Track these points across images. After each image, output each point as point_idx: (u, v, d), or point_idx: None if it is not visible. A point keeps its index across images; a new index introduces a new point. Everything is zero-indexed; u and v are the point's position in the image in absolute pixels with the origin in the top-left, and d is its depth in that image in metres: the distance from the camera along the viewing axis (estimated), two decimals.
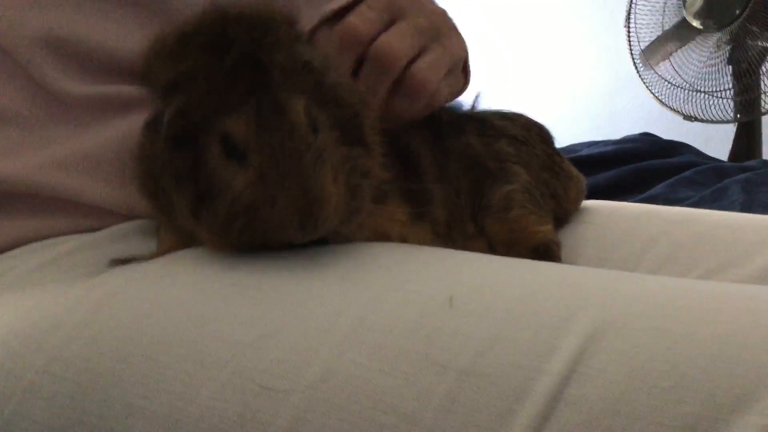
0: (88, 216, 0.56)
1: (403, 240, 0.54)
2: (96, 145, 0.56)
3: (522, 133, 0.67)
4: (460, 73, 0.62)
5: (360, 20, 0.54)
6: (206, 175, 0.45)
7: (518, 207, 0.62)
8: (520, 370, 0.37)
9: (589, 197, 0.74)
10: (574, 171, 0.72)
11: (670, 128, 2.12)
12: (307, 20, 0.54)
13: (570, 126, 2.32)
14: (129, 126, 0.56)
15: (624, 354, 0.37)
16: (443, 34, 0.58)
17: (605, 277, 0.44)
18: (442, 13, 0.60)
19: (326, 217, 0.44)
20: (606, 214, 0.70)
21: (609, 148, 1.82)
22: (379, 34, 0.54)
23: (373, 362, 0.40)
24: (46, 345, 0.45)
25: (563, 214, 0.69)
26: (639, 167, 1.67)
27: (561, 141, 0.72)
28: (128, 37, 0.57)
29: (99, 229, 0.56)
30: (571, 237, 0.68)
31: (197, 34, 0.45)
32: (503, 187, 0.63)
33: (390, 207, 0.53)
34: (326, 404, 0.39)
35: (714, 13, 1.92)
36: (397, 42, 0.54)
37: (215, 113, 0.44)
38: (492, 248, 0.62)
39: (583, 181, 0.72)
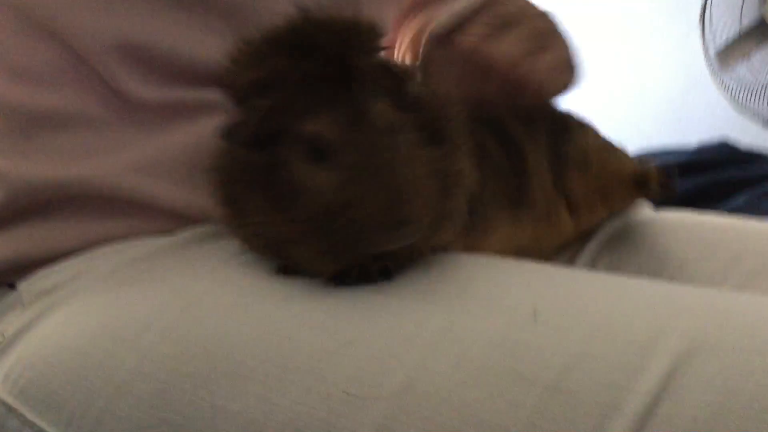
0: (161, 219, 0.59)
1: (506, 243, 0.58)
2: (168, 149, 0.59)
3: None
4: (569, 71, 0.67)
5: (467, 36, 0.61)
6: (288, 178, 0.46)
7: (596, 152, 0.67)
8: (609, 388, 0.39)
9: (665, 206, 0.76)
10: None
11: (746, 135, 2.08)
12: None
13: (636, 130, 2.30)
14: (200, 131, 0.58)
15: (717, 374, 0.38)
16: (552, 34, 0.65)
17: (695, 294, 0.45)
18: (549, 14, 0.66)
19: (417, 214, 0.44)
20: (689, 227, 0.72)
21: (685, 158, 1.80)
22: (488, 40, 0.61)
23: (457, 373, 0.41)
24: (137, 345, 0.48)
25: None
26: (717, 178, 1.66)
27: (626, 146, 0.75)
28: (203, 43, 0.59)
29: (172, 232, 0.58)
30: (653, 249, 0.70)
31: (283, 37, 0.47)
32: (580, 137, 0.67)
33: (488, 226, 0.57)
34: (410, 413, 0.41)
35: None
36: (508, 46, 0.61)
37: (301, 115, 0.46)
38: (575, 210, 0.66)
39: None
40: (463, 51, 0.61)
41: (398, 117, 0.47)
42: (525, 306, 0.44)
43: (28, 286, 0.57)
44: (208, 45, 0.58)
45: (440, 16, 0.65)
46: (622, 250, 0.71)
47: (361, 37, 0.48)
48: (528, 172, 0.64)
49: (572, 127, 0.69)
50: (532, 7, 0.66)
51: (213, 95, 0.58)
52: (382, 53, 0.50)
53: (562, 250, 0.71)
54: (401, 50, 0.72)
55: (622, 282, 0.48)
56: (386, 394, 0.41)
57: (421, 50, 0.63)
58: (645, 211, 0.75)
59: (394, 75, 0.48)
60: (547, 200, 0.65)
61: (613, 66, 2.69)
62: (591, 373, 0.39)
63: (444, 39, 0.62)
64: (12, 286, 0.58)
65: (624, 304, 0.43)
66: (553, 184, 0.66)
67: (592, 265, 0.71)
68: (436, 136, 0.49)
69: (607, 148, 0.70)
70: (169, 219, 0.59)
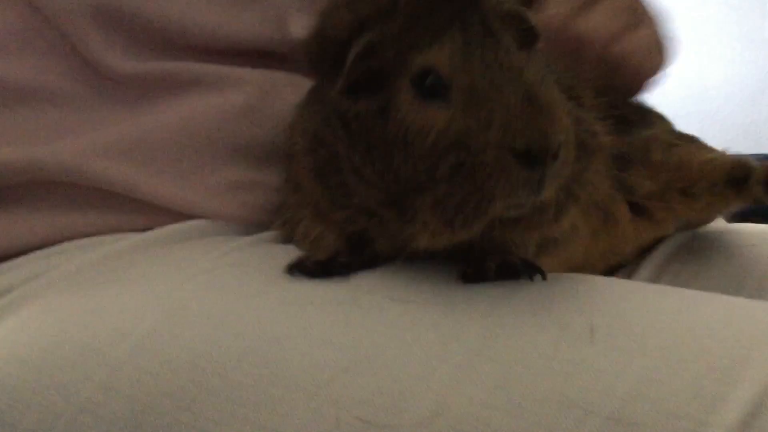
0: (139, 213, 0.55)
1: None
2: (150, 130, 0.55)
3: None
4: (662, 48, 0.64)
5: (555, 7, 0.58)
6: (395, 125, 0.42)
7: (668, 142, 0.62)
8: (681, 420, 0.35)
9: (739, 219, 0.72)
10: None
11: None
12: None
13: (701, 134, 2.17)
14: (190, 109, 0.55)
15: None
16: (643, 8, 0.62)
17: None
18: None
19: (559, 140, 0.39)
20: None
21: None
22: (576, 14, 0.58)
23: (495, 398, 0.38)
24: (108, 357, 0.44)
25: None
26: None
27: None
28: (196, 6, 0.56)
29: (152, 228, 0.55)
30: (728, 264, 0.65)
31: None
32: (646, 127, 0.62)
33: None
34: None
35: None
36: (599, 22, 0.58)
37: (412, 47, 0.42)
38: (646, 213, 0.62)
39: None
40: (549, 29, 0.56)
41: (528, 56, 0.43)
42: (579, 321, 0.41)
43: None
44: (203, 10, 0.55)
45: None
46: (691, 264, 0.66)
47: None
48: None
49: (641, 115, 0.65)
50: None
51: (208, 68, 0.56)
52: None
53: (620, 264, 0.66)
54: None
55: (696, 297, 0.45)
56: (409, 423, 0.38)
57: None
58: (717, 223, 0.71)
59: (520, 19, 0.45)
60: (603, 199, 0.59)
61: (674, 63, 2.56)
62: (660, 402, 0.36)
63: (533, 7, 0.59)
64: None
65: (699, 322, 0.40)
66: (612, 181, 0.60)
67: (656, 279, 0.66)
68: (568, 92, 0.45)
69: (685, 139, 0.65)
70: (150, 213, 0.55)
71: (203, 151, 0.56)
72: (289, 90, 0.56)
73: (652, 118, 0.65)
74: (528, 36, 0.45)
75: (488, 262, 0.45)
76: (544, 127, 0.39)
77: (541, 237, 0.47)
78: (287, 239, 0.53)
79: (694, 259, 0.67)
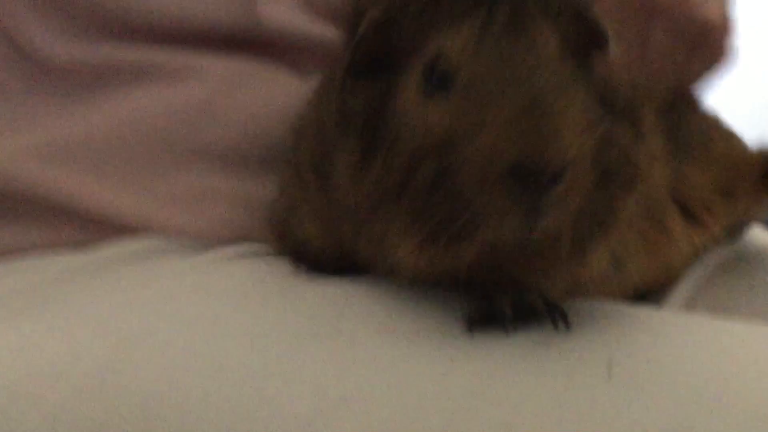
0: (81, 226, 0.52)
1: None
2: (94, 128, 0.53)
3: None
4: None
5: None
6: (393, 116, 0.40)
7: (719, 136, 0.60)
8: None
9: None
10: None
11: None
12: None
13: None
14: (141, 104, 0.52)
15: None
16: None
17: None
18: None
19: (563, 160, 0.35)
20: None
21: None
22: None
23: None
24: (44, 401, 0.41)
25: None
26: None
27: None
28: None
29: (95, 245, 0.52)
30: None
31: None
32: (700, 119, 0.60)
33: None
34: None
35: None
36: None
37: (427, 28, 0.40)
38: (694, 218, 0.59)
39: None
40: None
41: (568, 59, 0.40)
42: (595, 357, 0.39)
43: None
44: None
45: None
46: (731, 288, 0.63)
47: None
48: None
49: (692, 103, 0.62)
50: None
51: (163, 56, 0.53)
52: None
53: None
54: None
55: (735, 329, 0.44)
56: None
57: None
58: (760, 236, 0.68)
59: (578, 11, 0.41)
60: (657, 207, 0.57)
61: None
62: None
63: None
64: None
65: (738, 359, 0.40)
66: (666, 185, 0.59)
67: (690, 305, 0.64)
68: (617, 108, 0.41)
69: (726, 130, 0.62)
70: (93, 227, 0.52)
71: (156, 154, 0.52)
72: (257, 82, 0.54)
73: (701, 104, 0.63)
74: (594, 37, 0.41)
75: (501, 300, 0.41)
76: (545, 139, 0.35)
77: (563, 279, 0.43)
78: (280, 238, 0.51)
79: (734, 281, 0.63)
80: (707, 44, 0.56)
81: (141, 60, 0.54)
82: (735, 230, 0.65)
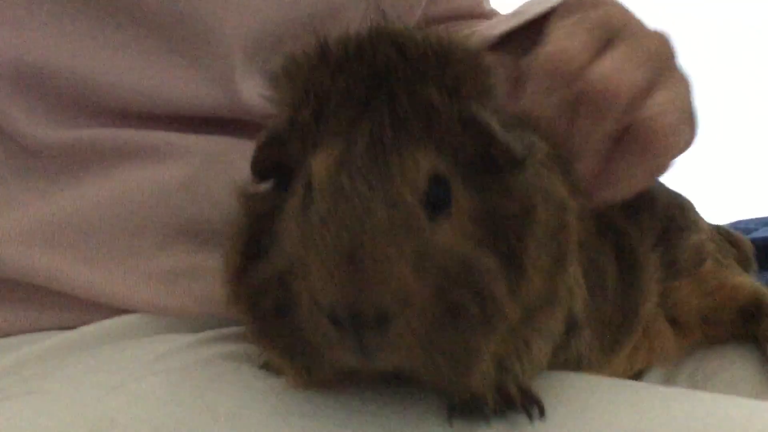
0: (64, 307, 0.51)
1: None
2: (77, 209, 0.52)
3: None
4: (689, 122, 0.54)
5: (574, 43, 0.47)
6: (277, 227, 0.40)
7: (711, 259, 0.59)
8: None
9: None
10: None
11: None
12: None
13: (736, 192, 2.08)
14: (124, 184, 0.52)
15: None
16: (670, 65, 0.51)
17: None
18: (664, 38, 0.52)
19: (380, 308, 0.34)
20: None
21: None
22: (592, 61, 0.48)
23: None
24: None
25: (746, 265, 0.65)
26: None
27: (724, 214, 0.67)
28: (128, 67, 0.53)
29: (78, 325, 0.51)
30: (755, 358, 0.60)
31: (335, 45, 0.41)
32: (691, 236, 0.59)
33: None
34: None
35: None
36: (621, 73, 0.47)
37: (313, 146, 0.39)
38: (679, 327, 0.59)
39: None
40: (567, 69, 0.47)
41: (449, 189, 0.38)
42: None
43: None
44: (139, 67, 0.52)
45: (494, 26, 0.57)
46: (712, 360, 0.62)
47: (445, 62, 0.40)
48: (642, 291, 0.54)
49: (688, 218, 0.60)
50: (636, 18, 0.52)
51: (145, 136, 0.53)
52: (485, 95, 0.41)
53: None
54: None
55: (715, 401, 0.44)
56: None
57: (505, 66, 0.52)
58: None
59: (479, 131, 0.39)
60: (650, 319, 0.57)
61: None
62: None
63: (539, 48, 0.48)
64: None
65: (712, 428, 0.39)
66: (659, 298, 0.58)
67: (670, 379, 0.62)
68: (501, 239, 0.38)
69: (725, 255, 0.61)
70: (76, 307, 0.51)
71: (139, 233, 0.52)
72: (238, 159, 0.51)
73: (691, 214, 0.61)
74: (501, 157, 0.39)
75: (482, 389, 0.39)
76: (357, 291, 0.34)
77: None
78: None
79: (714, 353, 0.61)
80: (655, 151, 0.49)
81: (123, 140, 0.53)
82: None
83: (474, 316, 0.36)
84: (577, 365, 0.48)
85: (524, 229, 0.38)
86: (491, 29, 0.56)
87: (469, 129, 0.38)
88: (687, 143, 0.53)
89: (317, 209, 0.36)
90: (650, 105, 0.48)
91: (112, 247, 0.51)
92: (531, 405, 0.39)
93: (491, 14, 0.76)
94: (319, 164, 0.38)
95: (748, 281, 0.60)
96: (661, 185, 0.60)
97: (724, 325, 0.59)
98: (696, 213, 0.61)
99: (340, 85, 0.39)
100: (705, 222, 0.61)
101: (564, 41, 0.47)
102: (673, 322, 0.58)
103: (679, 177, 0.61)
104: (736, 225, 1.71)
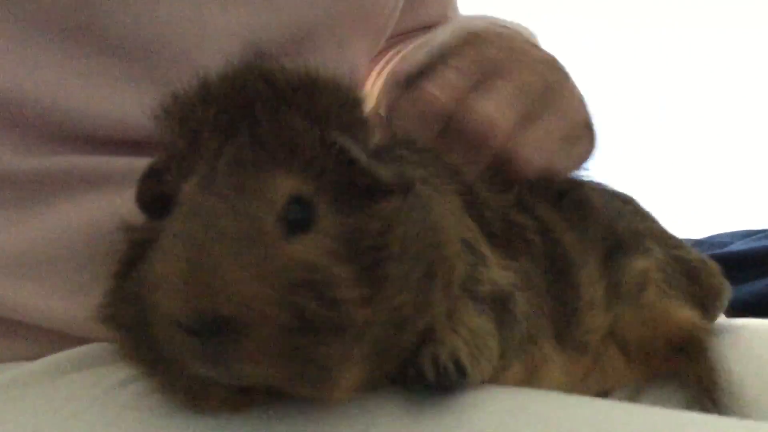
0: (28, 338, 0.51)
1: None
2: (43, 237, 0.51)
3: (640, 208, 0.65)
4: (583, 137, 0.58)
5: (439, 89, 0.52)
6: (150, 253, 0.40)
7: (653, 287, 0.59)
8: None
9: (742, 312, 0.68)
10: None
11: None
12: None
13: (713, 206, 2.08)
14: (93, 211, 0.51)
15: None
16: (555, 91, 0.55)
17: None
18: (551, 62, 0.56)
19: (221, 311, 0.35)
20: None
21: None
22: (468, 96, 0.52)
23: None
24: None
25: (706, 301, 0.63)
26: None
27: (697, 229, 0.67)
28: (97, 94, 0.52)
29: (43, 356, 0.50)
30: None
31: (214, 81, 0.43)
32: (638, 261, 0.59)
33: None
34: None
35: None
36: (494, 111, 0.52)
37: (185, 176, 0.41)
38: (624, 350, 0.58)
39: (716, 267, 0.67)
40: (436, 109, 0.52)
41: (312, 211, 0.39)
42: None
43: None
44: (109, 93, 0.52)
45: (411, 54, 0.57)
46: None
47: (312, 91, 0.42)
48: (580, 303, 0.55)
49: (640, 243, 0.60)
50: (528, 50, 0.56)
51: (116, 162, 0.53)
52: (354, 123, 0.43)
53: None
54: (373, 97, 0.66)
55: (678, 418, 0.44)
56: None
57: (384, 99, 0.55)
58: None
59: (343, 157, 0.40)
60: (598, 341, 0.57)
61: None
62: None
63: (414, 86, 0.53)
64: None
65: None
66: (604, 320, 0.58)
67: (635, 396, 0.61)
68: (363, 257, 0.39)
69: (672, 285, 0.60)
70: (41, 339, 0.51)
71: (105, 262, 0.49)
72: None
73: (645, 241, 0.61)
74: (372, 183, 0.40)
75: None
76: (198, 296, 0.35)
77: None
78: None
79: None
80: (585, 138, 0.56)
81: (91, 168, 0.52)
82: None
83: (325, 323, 0.37)
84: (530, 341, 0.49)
85: (383, 242, 0.39)
86: (405, 64, 0.57)
87: (333, 154, 0.40)
88: (582, 156, 0.58)
89: (172, 227, 0.38)
90: (522, 144, 0.52)
91: (76, 277, 0.50)
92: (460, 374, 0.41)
93: None
94: (186, 188, 0.39)
95: (688, 315, 0.59)
96: (627, 207, 0.63)
97: (660, 357, 0.58)
98: (652, 241, 0.61)
99: (209, 115, 0.40)
100: (660, 252, 0.61)
101: (431, 89, 0.51)
102: (622, 350, 0.58)
103: (657, 192, 0.62)
104: (713, 239, 1.73)
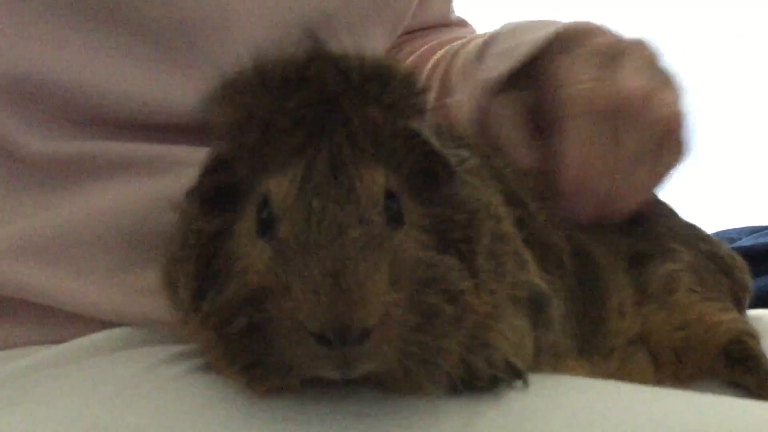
0: (56, 323, 0.51)
1: None
2: (69, 222, 0.51)
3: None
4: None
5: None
6: (230, 249, 0.40)
7: (685, 290, 0.58)
8: None
9: (751, 308, 0.67)
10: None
11: None
12: None
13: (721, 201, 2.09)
14: (117, 196, 0.52)
15: None
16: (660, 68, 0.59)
17: None
18: (648, 44, 0.59)
19: (366, 325, 0.36)
20: None
21: None
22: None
23: None
24: None
25: (741, 298, 0.63)
26: None
27: (709, 224, 0.70)
28: (125, 77, 0.52)
29: (67, 340, 0.50)
30: None
31: (275, 68, 0.41)
32: (664, 264, 0.58)
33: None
34: None
35: None
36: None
37: (263, 169, 0.40)
38: (656, 361, 0.57)
39: (743, 262, 0.66)
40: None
41: (400, 201, 0.40)
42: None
43: None
44: (131, 75, 0.52)
45: (489, 59, 0.59)
46: None
47: (384, 81, 0.41)
48: (606, 310, 0.56)
49: (664, 246, 0.60)
50: (618, 34, 0.59)
51: (138, 147, 0.53)
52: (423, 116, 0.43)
53: None
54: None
55: (699, 400, 0.45)
56: None
57: (473, 103, 0.58)
58: None
59: (420, 143, 0.41)
60: (623, 345, 0.57)
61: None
62: None
63: (505, 90, 0.57)
64: None
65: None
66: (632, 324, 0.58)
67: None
68: (454, 243, 0.41)
69: (709, 288, 0.59)
70: (68, 323, 0.51)
71: (132, 246, 0.51)
72: None
73: (674, 247, 0.60)
74: (441, 168, 0.42)
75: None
76: (345, 310, 0.35)
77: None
78: None
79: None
80: (671, 142, 0.56)
81: (116, 152, 0.53)
82: None
83: (447, 315, 0.38)
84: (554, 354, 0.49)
85: (472, 234, 0.41)
86: (489, 71, 0.59)
87: (411, 144, 0.41)
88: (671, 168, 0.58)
89: (288, 231, 0.37)
90: (659, 105, 0.54)
91: (104, 261, 0.51)
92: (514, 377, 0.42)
93: (458, 23, 0.81)
94: (278, 186, 0.39)
95: (730, 318, 0.58)
96: (648, 208, 0.62)
97: (702, 364, 0.57)
98: (677, 242, 0.61)
99: (288, 108, 0.40)
100: (688, 254, 0.60)
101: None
102: (653, 356, 0.58)
103: (664, 188, 0.63)
104: (721, 234, 1.73)
